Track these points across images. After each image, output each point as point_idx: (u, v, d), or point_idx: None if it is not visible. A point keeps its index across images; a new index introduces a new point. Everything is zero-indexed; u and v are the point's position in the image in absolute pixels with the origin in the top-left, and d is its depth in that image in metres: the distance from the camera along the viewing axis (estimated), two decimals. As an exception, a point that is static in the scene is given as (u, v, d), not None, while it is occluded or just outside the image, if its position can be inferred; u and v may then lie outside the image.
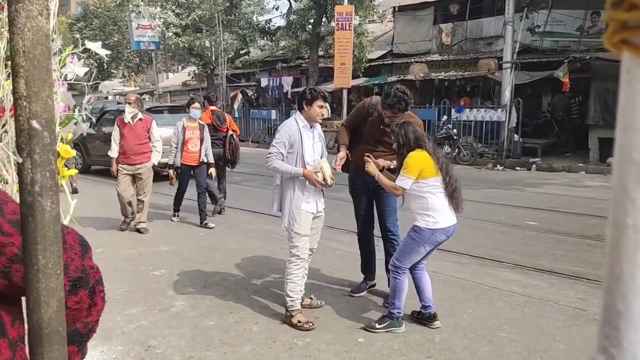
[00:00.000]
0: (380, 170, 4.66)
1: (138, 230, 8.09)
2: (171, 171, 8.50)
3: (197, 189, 8.61)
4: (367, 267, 5.61)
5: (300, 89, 5.14)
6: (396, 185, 4.36)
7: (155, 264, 6.48)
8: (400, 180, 4.34)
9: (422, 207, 4.32)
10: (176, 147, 8.33)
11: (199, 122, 8.53)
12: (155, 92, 35.13)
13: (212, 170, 8.70)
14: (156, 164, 8.22)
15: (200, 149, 8.44)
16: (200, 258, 6.76)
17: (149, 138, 8.07)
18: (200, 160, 8.48)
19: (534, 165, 16.06)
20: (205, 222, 8.42)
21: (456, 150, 17.50)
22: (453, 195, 4.31)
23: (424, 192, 4.29)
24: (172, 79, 42.63)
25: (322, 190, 4.88)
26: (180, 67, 45.66)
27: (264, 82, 27.91)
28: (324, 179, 4.60)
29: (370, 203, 5.39)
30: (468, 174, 15.17)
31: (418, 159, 4.29)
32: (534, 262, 6.54)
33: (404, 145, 4.36)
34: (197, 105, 8.45)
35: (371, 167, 4.61)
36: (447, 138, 17.94)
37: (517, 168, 16.31)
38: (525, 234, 8.04)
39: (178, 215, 8.93)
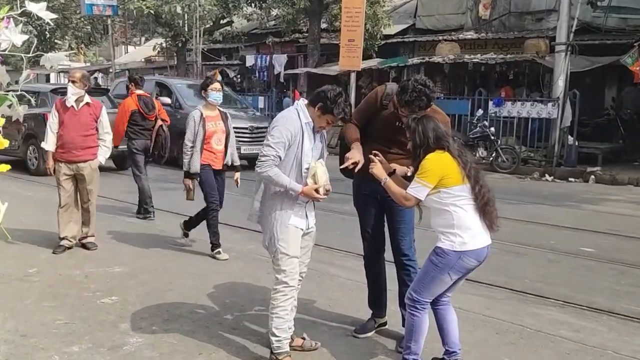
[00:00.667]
0: (390, 174, 4.67)
1: (84, 246, 8.09)
2: (188, 182, 7.80)
3: (210, 204, 7.93)
4: (376, 300, 5.61)
5: (334, 89, 5.01)
6: (407, 193, 4.35)
7: (104, 289, 6.45)
8: (413, 188, 4.32)
9: (446, 224, 4.33)
10: (192, 147, 7.61)
11: (219, 110, 7.99)
12: (110, 70, 35.19)
13: (238, 176, 8.12)
14: (104, 163, 8.22)
15: (227, 147, 7.93)
16: (163, 283, 6.74)
17: (97, 129, 8.02)
18: (225, 163, 7.95)
19: (593, 176, 16.12)
20: (218, 250, 7.90)
21: (493, 155, 17.57)
22: (485, 209, 4.31)
23: (447, 205, 4.29)
24: (132, 54, 42.78)
25: (313, 202, 4.90)
26: (143, 39, 45.75)
27: (249, 60, 28.01)
28: (317, 190, 4.59)
29: (381, 218, 5.39)
30: (508, 184, 15.20)
31: (438, 162, 4.29)
32: (589, 300, 6.55)
33: (420, 145, 4.37)
34: (217, 85, 7.82)
35: (377, 168, 4.61)
36: (482, 138, 18.00)
37: (570, 179, 16.36)
38: (579, 264, 8.05)
39: (187, 235, 8.53)
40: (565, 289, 6.93)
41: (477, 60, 20.55)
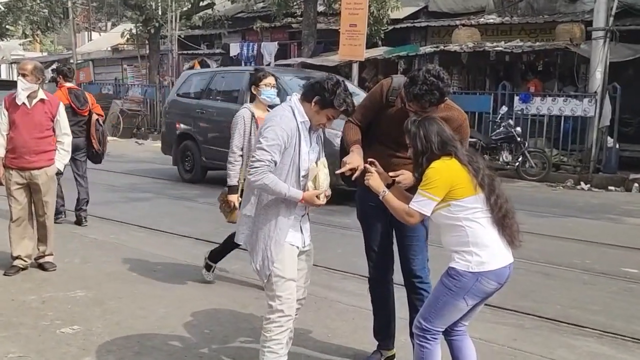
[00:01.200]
0: (389, 185, 4.68)
1: (41, 267, 8.09)
2: (234, 198, 7.21)
3: None
4: (383, 329, 5.63)
5: (330, 77, 4.94)
6: (410, 208, 4.36)
7: (65, 318, 6.45)
8: (417, 202, 4.32)
9: (459, 242, 4.32)
10: (241, 155, 7.16)
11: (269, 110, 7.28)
12: (71, 61, 35.17)
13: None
14: (62, 169, 8.18)
15: None
16: (133, 310, 6.74)
17: (54, 130, 7.99)
18: None
19: (636, 185, 16.14)
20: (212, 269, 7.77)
21: (520, 159, 17.60)
22: (504, 221, 4.31)
23: (459, 220, 4.29)
24: (97, 42, 42.65)
25: (307, 214, 4.93)
26: (109, 25, 45.78)
27: (234, 49, 28.06)
28: (317, 196, 4.63)
29: (389, 234, 5.41)
30: (537, 194, 15.22)
31: (445, 171, 4.29)
32: (631, 329, 6.56)
33: (423, 152, 4.38)
34: (271, 80, 7.38)
35: (373, 179, 4.63)
36: (506, 140, 18.04)
37: (610, 188, 16.39)
38: (620, 287, 8.07)
39: (214, 270, 7.92)
40: (603, 316, 6.94)
41: (500, 48, 20.57)
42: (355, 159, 4.93)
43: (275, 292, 4.67)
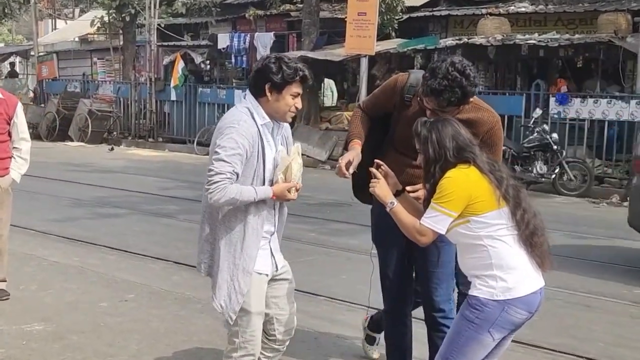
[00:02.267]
0: (397, 194, 4.62)
1: (-8, 295, 8.06)
2: None
3: None
4: None
5: (266, 58, 4.94)
6: (420, 225, 4.31)
7: (19, 356, 6.41)
8: (429, 218, 4.27)
9: (480, 265, 4.27)
10: None
11: None
12: (32, 53, 35.28)
13: None
14: (18, 180, 8.05)
15: None
16: (99, 346, 6.70)
17: (9, 134, 7.93)
18: None
19: (693, 201, 16.09)
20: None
21: (557, 171, 17.59)
22: (532, 240, 4.25)
23: (480, 238, 4.23)
24: (63, 31, 42.83)
25: (276, 228, 4.92)
26: (77, 11, 45.92)
27: (223, 40, 28.07)
28: (289, 190, 4.64)
29: (407, 258, 5.38)
30: (576, 211, 15.21)
31: (463, 182, 4.24)
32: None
33: (436, 159, 4.31)
34: None
35: (380, 187, 4.55)
36: (541, 148, 18.02)
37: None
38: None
39: (378, 343, 6.59)
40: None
41: (533, 41, 20.55)
42: (350, 156, 4.96)
43: (240, 328, 4.69)
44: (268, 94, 4.62)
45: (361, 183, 5.44)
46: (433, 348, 5.25)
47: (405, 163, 5.06)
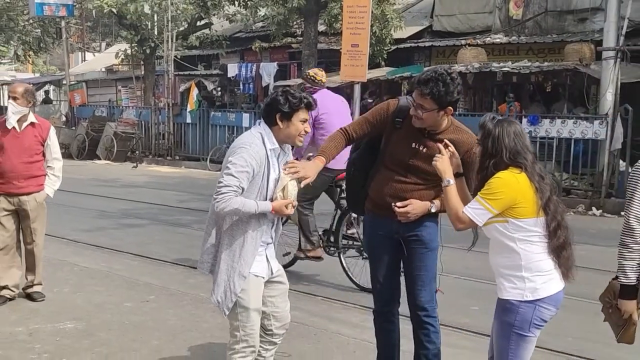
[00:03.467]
0: (456, 176, 4.52)
1: (29, 297, 8.04)
2: (631, 307, 4.61)
3: None
4: None
5: (274, 93, 5.05)
6: (463, 214, 4.24)
7: (53, 350, 6.40)
8: (473, 209, 4.20)
9: (510, 265, 4.22)
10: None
11: None
12: (64, 82, 35.29)
13: None
14: (52, 196, 8.09)
15: None
16: (124, 342, 6.70)
17: (44, 154, 7.98)
18: None
19: (650, 210, 16.05)
20: None
21: (528, 183, 17.54)
22: (561, 252, 4.21)
23: (514, 240, 4.17)
24: (91, 62, 42.93)
25: (273, 240, 4.97)
26: (104, 45, 46.00)
27: (232, 70, 28.12)
28: (286, 206, 4.68)
29: (397, 265, 5.36)
30: (546, 220, 15.17)
31: (513, 186, 4.15)
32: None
33: (493, 154, 4.22)
34: None
35: (442, 162, 4.49)
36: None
37: (622, 213, 16.27)
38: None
39: None
40: (617, 349, 6.85)
41: (507, 69, 20.58)
42: (306, 166, 4.91)
43: (240, 323, 4.76)
44: (279, 122, 4.70)
45: (355, 198, 5.50)
46: (418, 343, 5.26)
47: (394, 179, 5.06)
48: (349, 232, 9.00)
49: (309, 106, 4.77)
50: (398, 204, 4.85)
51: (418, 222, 5.08)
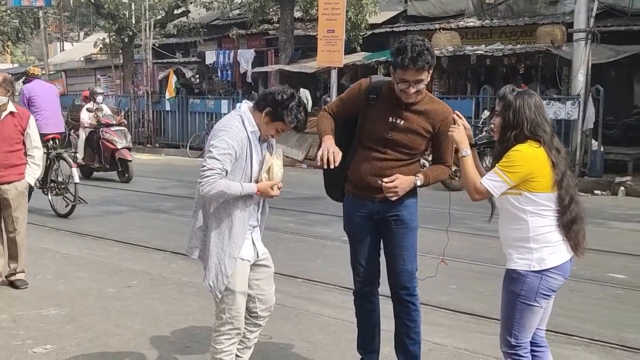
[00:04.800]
0: (471, 147, 4.50)
1: (12, 284, 8.00)
2: None
3: None
4: (367, 343, 5.54)
5: (291, 95, 5.03)
6: (481, 184, 4.22)
7: (37, 337, 6.37)
8: (490, 180, 4.19)
9: (519, 237, 4.22)
10: None
11: None
12: (43, 72, 34.95)
13: None
14: (33, 184, 8.09)
15: None
16: (107, 326, 6.68)
17: (24, 143, 7.93)
18: None
19: (622, 188, 16.22)
20: None
21: (503, 164, 17.60)
22: (572, 226, 4.20)
23: (525, 212, 4.17)
24: (69, 52, 42.57)
25: (258, 221, 4.95)
26: (82, 35, 45.66)
27: (210, 57, 28.04)
28: (271, 187, 4.67)
29: (377, 245, 5.34)
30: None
31: (532, 160, 4.14)
32: (620, 336, 6.57)
33: (514, 126, 4.19)
34: None
35: (458, 133, 4.46)
36: (489, 145, 18.01)
37: (596, 192, 16.47)
38: (607, 293, 8.10)
39: None
40: (591, 324, 6.94)
41: (480, 52, 20.66)
42: (330, 145, 4.89)
43: (226, 305, 4.75)
44: (263, 115, 4.65)
45: (333, 182, 5.44)
46: (399, 322, 5.27)
47: (374, 157, 5.02)
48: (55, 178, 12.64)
49: (296, 128, 4.76)
50: (384, 179, 4.84)
51: (399, 202, 5.07)
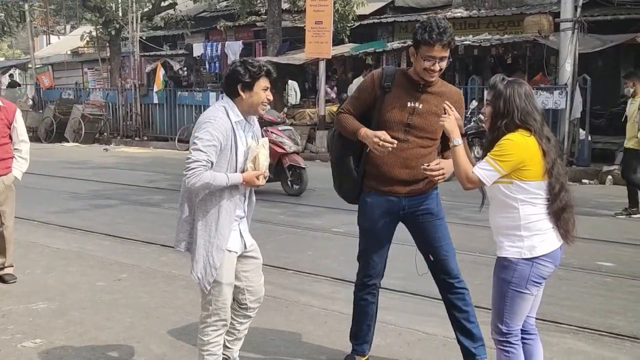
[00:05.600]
0: (462, 137, 4.49)
1: (1, 279, 7.96)
2: None
3: None
4: (363, 334, 5.52)
5: (232, 64, 5.08)
6: (472, 173, 4.23)
7: (26, 331, 6.36)
8: (482, 169, 4.19)
9: (509, 225, 4.24)
10: None
11: None
12: (29, 65, 34.85)
13: None
14: (20, 178, 7.98)
15: None
16: (97, 320, 6.67)
17: (10, 137, 7.86)
18: None
19: (610, 177, 16.30)
20: None
21: (492, 154, 17.63)
22: (561, 214, 4.22)
23: (516, 200, 4.19)
24: (56, 45, 42.41)
25: (245, 212, 4.95)
26: (69, 28, 45.45)
27: (197, 49, 27.94)
28: (257, 177, 4.67)
29: (390, 241, 5.33)
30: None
31: (522, 148, 4.15)
32: (608, 324, 6.61)
33: (504, 115, 4.20)
34: None
35: (449, 122, 4.46)
36: (477, 135, 18.09)
37: (583, 181, 16.55)
38: (596, 281, 8.14)
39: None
40: (579, 312, 6.97)
41: (468, 42, 20.68)
42: (373, 137, 4.86)
43: (213, 297, 4.76)
44: (241, 93, 4.67)
45: (348, 182, 5.34)
46: (456, 309, 5.27)
47: (397, 147, 4.90)
48: None
49: (269, 74, 4.75)
50: (429, 166, 4.75)
51: (424, 195, 5.11)
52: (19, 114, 7.94)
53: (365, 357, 5.56)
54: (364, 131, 4.99)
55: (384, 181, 5.07)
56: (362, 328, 5.51)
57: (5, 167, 7.76)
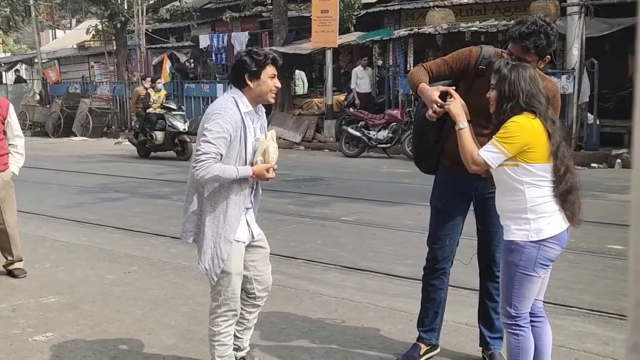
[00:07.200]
0: (468, 122, 4.48)
1: (11, 274, 8.00)
2: None
3: None
4: (430, 321, 5.46)
5: (238, 54, 5.06)
6: (477, 156, 4.25)
7: (37, 325, 6.38)
8: (488, 152, 4.21)
9: (516, 208, 4.24)
10: None
11: None
12: (35, 60, 34.91)
13: None
14: (17, 173, 7.94)
15: None
16: (107, 313, 6.69)
17: (5, 133, 7.81)
18: None
19: (619, 160, 16.26)
20: None
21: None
22: (567, 196, 4.20)
23: (521, 183, 4.19)
24: (62, 40, 42.43)
25: (252, 204, 4.95)
26: (74, 22, 45.46)
27: (204, 41, 27.93)
28: (267, 170, 4.66)
29: (462, 223, 5.30)
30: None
31: (528, 130, 4.15)
32: (618, 306, 6.60)
33: (509, 98, 4.20)
34: None
35: (455, 106, 4.48)
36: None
37: (592, 165, 16.51)
38: (605, 264, 8.14)
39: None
40: (590, 295, 6.97)
41: (475, 28, 20.62)
42: (434, 95, 4.69)
43: (222, 287, 4.77)
44: (249, 82, 4.65)
45: (427, 154, 5.33)
46: (488, 297, 5.31)
47: (476, 131, 4.69)
48: None
49: (275, 61, 4.73)
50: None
51: (491, 179, 5.06)
52: (12, 109, 7.85)
53: (430, 347, 5.47)
54: (423, 86, 4.88)
55: (459, 162, 4.78)
56: (428, 314, 5.45)
57: (2, 163, 7.72)
